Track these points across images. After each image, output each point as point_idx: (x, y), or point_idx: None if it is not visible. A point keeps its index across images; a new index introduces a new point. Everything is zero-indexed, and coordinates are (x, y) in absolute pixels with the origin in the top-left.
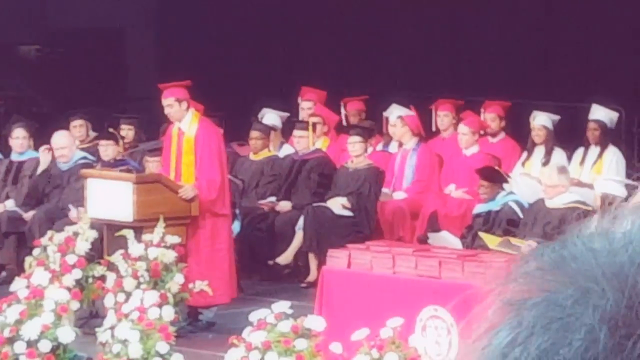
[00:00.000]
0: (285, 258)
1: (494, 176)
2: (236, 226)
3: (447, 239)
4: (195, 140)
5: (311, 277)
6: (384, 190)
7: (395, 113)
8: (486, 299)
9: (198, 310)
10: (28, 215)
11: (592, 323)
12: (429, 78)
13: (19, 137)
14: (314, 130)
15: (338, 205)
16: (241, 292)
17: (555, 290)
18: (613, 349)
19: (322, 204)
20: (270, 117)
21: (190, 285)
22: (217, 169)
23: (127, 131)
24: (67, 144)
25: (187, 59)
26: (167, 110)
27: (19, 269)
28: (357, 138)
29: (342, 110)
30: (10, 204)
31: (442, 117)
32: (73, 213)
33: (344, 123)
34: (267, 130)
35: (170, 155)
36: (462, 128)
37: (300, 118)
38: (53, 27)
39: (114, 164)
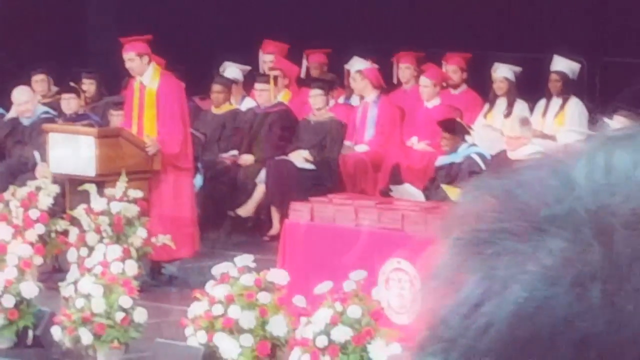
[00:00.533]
0: (246, 210)
1: (456, 128)
2: (198, 180)
3: (410, 192)
4: (157, 94)
5: (274, 231)
6: (346, 143)
7: (356, 66)
8: (444, 244)
9: (161, 264)
10: None
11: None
12: (390, 30)
13: None
14: (275, 83)
15: (300, 158)
16: (203, 246)
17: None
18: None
19: (284, 157)
20: (232, 70)
21: (153, 239)
22: (179, 123)
23: (89, 86)
24: (29, 98)
25: (147, 11)
26: (128, 65)
27: None
28: (318, 91)
29: (304, 63)
30: None
31: (404, 69)
32: (39, 162)
33: (305, 76)
34: (229, 83)
35: (132, 109)
36: (424, 80)
37: (261, 71)
38: None
39: (76, 118)
